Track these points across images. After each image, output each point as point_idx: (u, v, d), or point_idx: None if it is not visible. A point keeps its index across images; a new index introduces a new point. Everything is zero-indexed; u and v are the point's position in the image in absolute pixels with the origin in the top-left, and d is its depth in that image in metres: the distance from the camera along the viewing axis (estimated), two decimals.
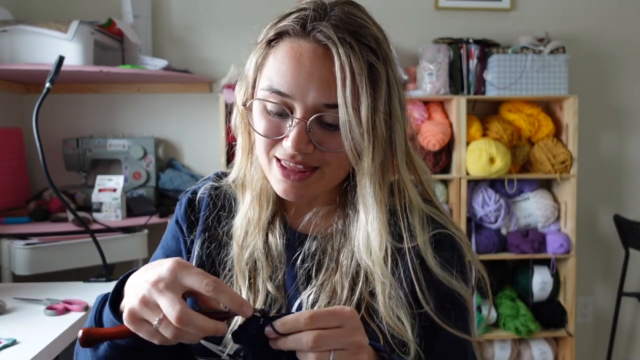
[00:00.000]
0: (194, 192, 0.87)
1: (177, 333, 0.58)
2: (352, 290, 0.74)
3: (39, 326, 1.21)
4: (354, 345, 0.58)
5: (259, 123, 0.73)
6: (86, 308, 1.31)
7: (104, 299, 0.69)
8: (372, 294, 0.74)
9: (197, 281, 0.58)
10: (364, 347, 0.59)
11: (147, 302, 0.59)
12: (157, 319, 0.58)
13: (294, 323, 0.58)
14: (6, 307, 1.31)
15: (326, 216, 0.80)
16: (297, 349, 0.58)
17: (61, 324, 1.21)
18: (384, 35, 0.74)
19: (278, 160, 0.73)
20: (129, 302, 0.60)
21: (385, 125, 0.71)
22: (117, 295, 0.66)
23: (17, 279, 1.84)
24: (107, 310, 0.66)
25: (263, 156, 0.74)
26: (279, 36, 0.72)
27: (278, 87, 0.70)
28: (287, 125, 0.71)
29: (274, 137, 0.72)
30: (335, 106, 0.68)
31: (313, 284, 0.76)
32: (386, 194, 0.74)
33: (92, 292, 1.44)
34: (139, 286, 0.60)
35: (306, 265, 0.78)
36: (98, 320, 0.67)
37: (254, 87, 0.75)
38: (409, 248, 0.74)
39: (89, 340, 0.61)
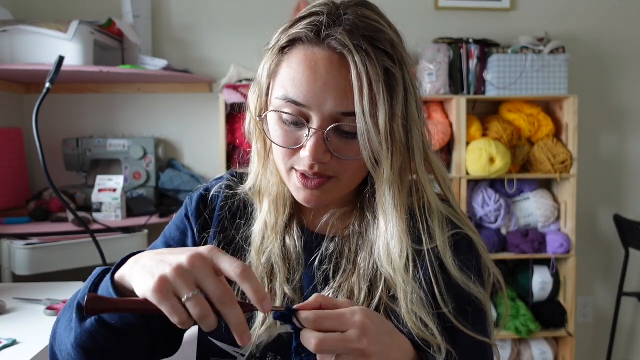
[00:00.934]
0: (207, 190, 0.86)
1: (205, 315, 0.54)
2: (370, 292, 0.74)
3: (39, 326, 1.21)
4: (357, 353, 0.57)
5: (275, 133, 0.72)
6: None
7: (102, 272, 0.67)
8: (394, 297, 0.73)
9: (229, 264, 0.56)
10: (369, 355, 0.58)
11: (184, 274, 0.55)
12: (190, 293, 0.54)
13: (304, 321, 0.58)
14: (6, 307, 1.31)
15: (343, 217, 0.80)
16: (306, 347, 0.58)
17: None
18: (399, 37, 0.73)
19: (296, 170, 0.72)
20: (156, 272, 0.56)
21: (404, 130, 0.71)
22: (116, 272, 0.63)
23: (17, 279, 1.84)
24: (106, 282, 0.63)
25: (282, 166, 0.74)
26: (291, 43, 0.71)
27: (294, 97, 0.69)
28: (304, 134, 0.70)
29: (291, 147, 0.71)
30: (352, 114, 0.67)
31: (331, 285, 0.76)
32: (405, 197, 0.74)
33: None
34: (166, 263, 0.56)
35: (324, 267, 0.77)
36: (93, 291, 0.65)
37: (267, 95, 0.74)
38: (428, 250, 0.74)
39: (95, 308, 0.56)
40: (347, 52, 0.67)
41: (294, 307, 0.59)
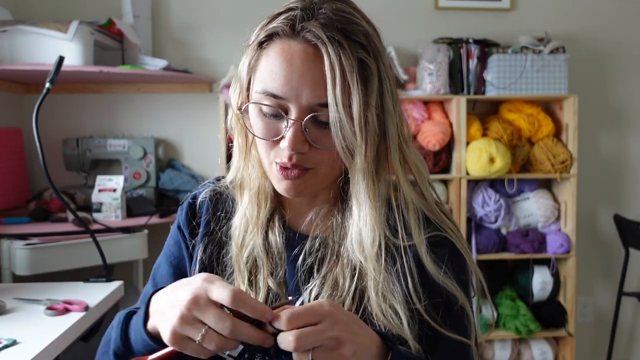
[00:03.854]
0: (195, 197, 0.87)
1: (222, 345, 0.60)
2: (353, 280, 0.75)
3: (39, 326, 1.21)
4: (333, 341, 0.60)
5: (256, 126, 0.74)
6: (86, 308, 1.31)
7: (126, 318, 0.71)
8: (375, 288, 0.74)
9: (220, 294, 0.60)
10: (344, 342, 0.60)
11: (187, 319, 0.60)
12: (199, 334, 0.60)
13: (279, 324, 0.60)
14: (6, 307, 1.31)
15: (326, 216, 0.81)
16: (285, 349, 0.60)
17: (61, 324, 1.21)
18: (374, 30, 0.73)
19: (276, 163, 0.74)
20: (167, 323, 0.62)
21: (378, 120, 0.72)
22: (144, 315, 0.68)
23: (17, 279, 1.84)
24: (137, 328, 0.68)
25: (264, 158, 0.76)
26: (269, 37, 0.73)
27: (272, 89, 0.70)
28: (283, 126, 0.71)
29: (272, 139, 0.73)
30: (326, 105, 0.69)
31: (315, 277, 0.77)
32: (382, 189, 0.75)
33: (92, 292, 1.44)
34: (175, 307, 0.62)
35: (307, 262, 0.78)
36: (124, 338, 0.70)
37: (248, 90, 0.76)
38: (404, 246, 0.75)
39: None
40: (320, 43, 0.68)
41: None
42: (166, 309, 0.63)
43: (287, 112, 0.71)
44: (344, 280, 0.75)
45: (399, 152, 0.75)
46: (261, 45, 0.73)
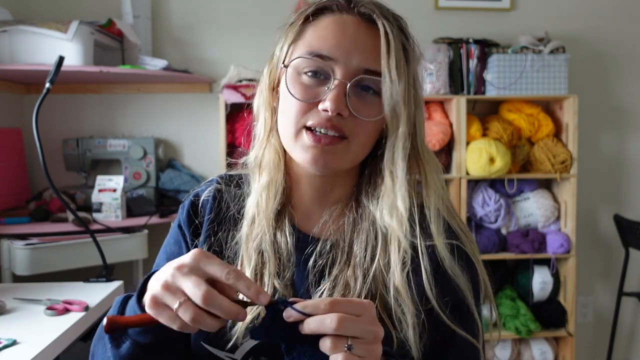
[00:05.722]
0: (197, 195, 0.85)
1: (197, 316, 0.58)
2: (365, 283, 0.74)
3: (39, 326, 1.21)
4: (372, 335, 0.59)
5: (294, 89, 0.73)
6: (86, 308, 1.31)
7: (124, 300, 0.72)
8: (386, 287, 0.73)
9: (218, 269, 0.59)
10: (379, 338, 0.60)
11: (169, 287, 0.60)
12: (178, 302, 0.59)
13: (314, 307, 0.58)
14: (6, 307, 1.31)
15: (338, 218, 0.80)
16: (318, 331, 0.58)
17: (61, 324, 1.21)
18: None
19: (308, 129, 0.73)
20: (152, 289, 0.62)
21: (415, 104, 0.75)
22: (141, 293, 0.68)
23: (17, 279, 1.84)
24: (132, 302, 0.68)
25: (291, 126, 0.74)
26: (319, 12, 0.75)
27: (320, 50, 0.72)
28: (325, 88, 0.72)
29: (311, 101, 0.72)
30: (375, 73, 0.71)
31: (325, 280, 0.75)
32: (409, 175, 0.76)
33: (92, 292, 1.44)
34: (162, 273, 0.62)
35: (318, 264, 0.77)
36: (120, 314, 0.70)
37: (284, 63, 0.75)
38: (422, 245, 0.74)
39: (113, 327, 0.64)
40: (376, 16, 0.73)
41: (290, 300, 0.60)
42: (155, 279, 0.63)
43: (330, 74, 0.72)
44: (355, 283, 0.74)
45: (424, 145, 0.78)
46: (308, 18, 0.75)
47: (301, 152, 0.74)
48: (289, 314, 0.59)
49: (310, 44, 0.73)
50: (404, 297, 0.72)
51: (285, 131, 0.75)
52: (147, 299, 0.62)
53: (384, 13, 0.73)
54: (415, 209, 0.75)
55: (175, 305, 0.59)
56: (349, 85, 0.70)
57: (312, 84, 0.73)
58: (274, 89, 0.78)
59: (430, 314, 0.72)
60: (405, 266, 0.73)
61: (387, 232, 0.75)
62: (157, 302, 0.60)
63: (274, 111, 0.79)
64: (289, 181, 0.81)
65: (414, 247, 0.74)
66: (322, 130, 0.72)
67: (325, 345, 0.58)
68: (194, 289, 0.58)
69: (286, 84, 0.74)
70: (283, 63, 0.75)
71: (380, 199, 0.76)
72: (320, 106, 0.71)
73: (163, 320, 0.60)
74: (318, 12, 0.75)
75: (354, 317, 0.58)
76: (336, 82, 0.70)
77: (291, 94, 0.73)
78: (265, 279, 0.76)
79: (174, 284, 0.60)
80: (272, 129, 0.80)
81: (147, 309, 0.61)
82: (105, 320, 0.63)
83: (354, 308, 0.59)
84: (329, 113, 0.70)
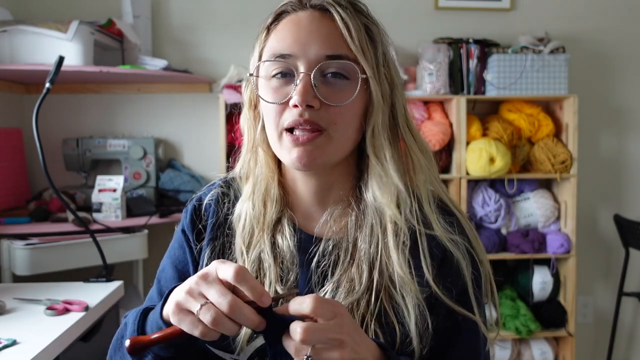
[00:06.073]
0: (200, 200, 0.86)
1: (218, 317, 0.59)
2: (370, 276, 0.74)
3: (39, 326, 1.21)
4: (336, 342, 0.60)
5: (266, 96, 0.75)
6: (86, 308, 1.31)
7: (143, 313, 0.72)
8: (392, 279, 0.74)
9: (224, 270, 0.61)
10: (345, 346, 0.60)
11: (192, 293, 0.61)
12: (199, 305, 0.60)
13: (300, 306, 0.61)
14: (6, 307, 1.31)
15: (340, 217, 0.79)
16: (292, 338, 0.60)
17: (61, 324, 1.21)
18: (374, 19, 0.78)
19: (287, 131, 0.74)
20: (175, 297, 0.63)
21: (390, 83, 0.75)
22: (162, 307, 0.68)
23: (17, 279, 1.84)
24: (154, 316, 0.69)
25: (273, 132, 0.75)
26: (277, 17, 0.76)
27: (280, 50, 0.73)
28: (293, 85, 0.72)
29: (282, 101, 0.73)
30: (337, 57, 0.71)
31: (329, 279, 0.76)
32: (396, 153, 0.76)
33: (92, 292, 1.44)
34: (186, 283, 0.63)
35: (322, 265, 0.77)
36: (141, 333, 0.70)
37: (254, 74, 0.77)
38: (421, 232, 0.75)
39: (136, 347, 0.64)
40: (328, 5, 0.73)
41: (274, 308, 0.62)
42: (178, 290, 0.64)
43: (295, 71, 0.72)
44: (360, 279, 0.74)
45: (407, 124, 0.77)
46: (269, 28, 0.76)
47: (286, 155, 0.75)
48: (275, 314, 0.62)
49: (272, 48, 0.74)
50: (408, 284, 0.72)
51: (271, 139, 0.77)
52: (170, 305, 0.63)
53: (336, 0, 0.74)
54: (410, 189, 0.77)
55: (197, 308, 0.60)
56: (312, 75, 0.71)
57: (281, 84, 0.73)
58: (255, 106, 0.79)
59: (434, 302, 0.73)
60: (406, 247, 0.74)
61: (386, 218, 0.76)
62: (180, 308, 0.62)
63: (254, 127, 0.81)
64: (287, 187, 0.82)
65: (412, 232, 0.75)
66: (300, 129, 0.72)
67: (290, 348, 0.61)
68: (220, 297, 0.60)
69: (259, 92, 0.76)
70: (253, 74, 0.77)
71: (370, 180, 0.77)
72: (291, 103, 0.72)
73: (185, 327, 0.61)
74: (277, 19, 0.76)
75: (319, 326, 0.59)
76: (301, 75, 0.71)
77: (263, 99, 0.75)
78: (266, 288, 0.76)
79: (197, 290, 0.61)
80: (256, 145, 0.81)
81: (170, 315, 0.63)
82: (128, 342, 0.64)
83: (330, 310, 0.61)
84: (299, 108, 0.71)
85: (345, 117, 0.73)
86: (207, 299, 0.60)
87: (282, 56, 0.72)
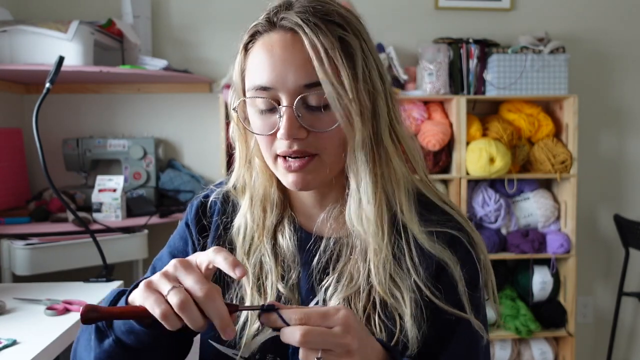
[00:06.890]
0: (206, 196, 0.87)
1: (185, 303, 0.57)
2: (368, 275, 0.74)
3: (39, 326, 1.21)
4: (344, 347, 0.59)
5: (255, 124, 0.74)
6: None
7: (122, 291, 0.70)
8: (390, 275, 0.74)
9: (205, 253, 0.61)
10: (352, 351, 0.59)
11: (168, 275, 0.60)
12: (170, 286, 0.59)
13: (287, 319, 0.59)
14: (6, 307, 1.31)
15: (339, 216, 0.80)
16: (289, 342, 0.59)
17: (61, 324, 1.21)
18: (352, 14, 0.75)
19: (281, 156, 0.74)
20: (149, 278, 0.62)
21: (368, 96, 0.72)
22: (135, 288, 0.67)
23: (17, 279, 1.84)
24: (121, 302, 0.67)
25: (267, 156, 0.76)
26: (252, 37, 0.75)
27: (260, 82, 0.72)
28: (278, 116, 0.72)
29: (269, 133, 0.73)
30: (315, 85, 0.70)
31: (330, 274, 0.76)
32: (384, 171, 0.75)
33: (92, 292, 1.44)
34: (164, 268, 0.62)
35: (322, 261, 0.77)
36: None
37: (243, 94, 0.77)
38: (400, 222, 0.75)
39: (90, 316, 0.61)
40: (297, 27, 0.70)
41: (275, 305, 0.60)
42: (155, 274, 0.63)
43: (279, 102, 0.72)
44: (358, 274, 0.74)
45: (390, 130, 0.75)
46: (246, 47, 0.76)
47: (282, 178, 0.75)
48: (266, 319, 0.60)
49: (252, 78, 0.73)
50: (401, 288, 0.72)
51: (265, 158, 0.77)
52: (140, 285, 0.61)
53: (305, 18, 0.70)
54: (385, 208, 0.75)
55: (167, 289, 0.58)
56: (294, 107, 0.70)
57: (267, 115, 0.73)
58: (245, 118, 0.79)
59: (429, 305, 0.73)
60: (379, 253, 0.73)
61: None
62: (149, 286, 0.60)
63: (247, 141, 0.81)
64: (287, 191, 0.83)
65: (392, 222, 0.75)
66: (292, 158, 0.72)
67: (300, 354, 0.59)
68: (197, 284, 0.58)
69: (248, 120, 0.76)
70: (243, 95, 0.77)
71: (349, 199, 0.76)
72: (278, 135, 0.71)
73: (148, 304, 0.59)
74: (252, 38, 0.75)
75: (321, 330, 0.58)
76: (283, 109, 0.70)
77: (253, 132, 0.75)
78: (268, 288, 0.77)
79: (174, 274, 0.60)
80: (248, 158, 0.81)
81: (137, 292, 0.61)
82: (82, 309, 0.61)
83: (325, 320, 0.59)
84: (286, 140, 0.71)
85: (334, 140, 0.72)
86: (181, 285, 0.59)
87: (262, 88, 0.71)
